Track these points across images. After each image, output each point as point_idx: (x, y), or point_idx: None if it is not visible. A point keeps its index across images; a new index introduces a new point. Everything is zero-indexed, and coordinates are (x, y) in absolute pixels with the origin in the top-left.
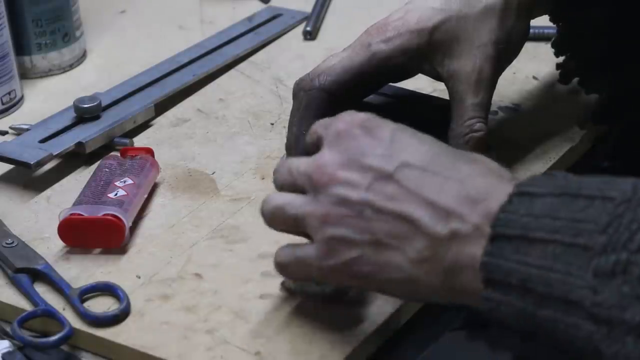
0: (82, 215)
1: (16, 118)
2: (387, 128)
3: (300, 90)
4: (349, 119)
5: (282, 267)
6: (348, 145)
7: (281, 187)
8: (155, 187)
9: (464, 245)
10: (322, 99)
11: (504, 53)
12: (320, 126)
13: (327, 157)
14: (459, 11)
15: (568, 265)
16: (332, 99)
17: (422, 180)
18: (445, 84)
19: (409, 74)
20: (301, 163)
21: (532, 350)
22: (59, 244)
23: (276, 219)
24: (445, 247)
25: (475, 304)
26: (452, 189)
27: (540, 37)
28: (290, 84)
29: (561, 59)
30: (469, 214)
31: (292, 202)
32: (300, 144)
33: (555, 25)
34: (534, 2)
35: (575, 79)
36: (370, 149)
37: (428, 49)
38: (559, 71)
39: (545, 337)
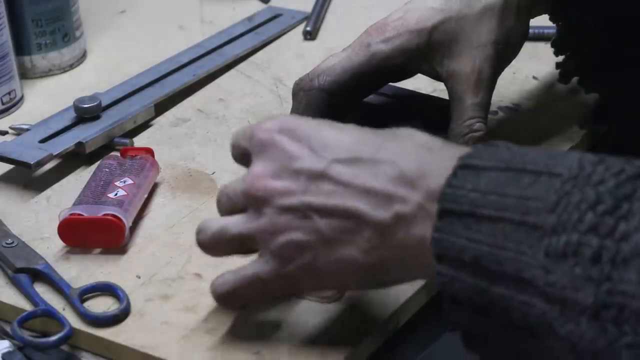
0: (82, 215)
1: (16, 118)
2: (305, 126)
3: (300, 90)
4: (268, 126)
5: (228, 295)
6: (274, 154)
7: (223, 213)
8: (155, 187)
9: (411, 226)
10: (321, 99)
11: (504, 53)
12: (242, 138)
13: (257, 170)
14: (459, 11)
15: (519, 243)
16: (332, 99)
17: (354, 170)
18: (445, 84)
19: (408, 74)
20: (237, 185)
21: (483, 326)
22: (59, 244)
23: (219, 242)
24: (392, 232)
25: (430, 280)
26: (385, 173)
27: (539, 37)
28: (290, 84)
29: (561, 58)
30: (409, 195)
31: (233, 222)
32: None
33: (554, 25)
34: (534, 2)
35: (575, 79)
36: (296, 153)
37: (427, 49)
38: (558, 71)
39: (499, 314)
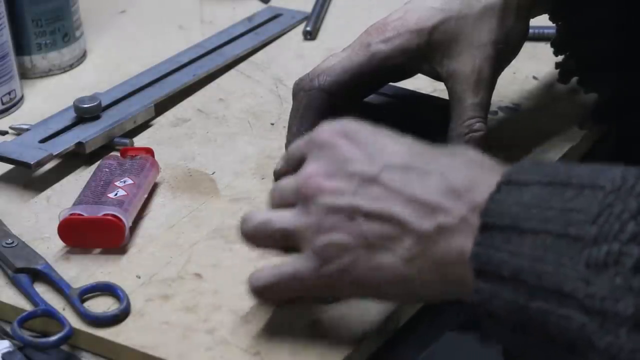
0: (82, 215)
1: (16, 118)
2: (365, 132)
3: (300, 90)
4: (329, 128)
5: (266, 289)
6: (330, 155)
7: (273, 206)
8: (155, 187)
9: (452, 238)
10: (321, 99)
11: (504, 53)
12: (302, 143)
13: (312, 169)
14: (459, 11)
15: (559, 256)
16: (332, 99)
17: (404, 178)
18: (445, 84)
19: (408, 74)
20: (290, 181)
21: (522, 342)
22: (59, 244)
23: (261, 234)
24: (433, 242)
25: (468, 297)
26: (433, 184)
27: (539, 37)
28: (290, 84)
29: (560, 58)
30: (453, 207)
31: (279, 216)
32: None
33: (554, 25)
34: (534, 2)
35: (575, 79)
36: (352, 156)
37: (427, 49)
38: (558, 70)
39: (537, 329)
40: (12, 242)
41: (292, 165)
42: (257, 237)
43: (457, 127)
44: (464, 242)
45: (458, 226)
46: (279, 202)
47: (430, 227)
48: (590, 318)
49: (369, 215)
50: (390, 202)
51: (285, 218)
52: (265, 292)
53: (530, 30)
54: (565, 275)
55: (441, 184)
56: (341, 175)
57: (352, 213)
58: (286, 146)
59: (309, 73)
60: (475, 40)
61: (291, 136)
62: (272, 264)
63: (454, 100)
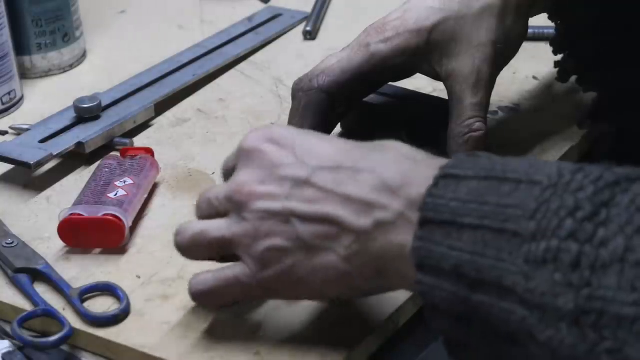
0: (82, 215)
1: (16, 118)
2: (290, 136)
3: (299, 90)
4: (255, 135)
5: (205, 294)
6: (260, 161)
7: (202, 217)
8: (155, 187)
9: (391, 234)
10: (321, 100)
11: (503, 53)
12: (229, 159)
13: (243, 176)
14: (458, 11)
15: (499, 251)
16: (331, 99)
17: (336, 178)
18: (444, 84)
19: (408, 74)
20: (219, 190)
21: (465, 333)
22: (59, 244)
23: (198, 245)
24: (372, 239)
25: (410, 290)
26: (367, 181)
27: (539, 37)
28: (290, 83)
29: (560, 57)
30: (389, 203)
31: (214, 225)
32: None
33: (554, 25)
34: (533, 1)
35: (574, 78)
36: (282, 160)
37: (427, 49)
38: (557, 69)
39: (480, 321)
40: (12, 242)
41: (227, 176)
42: (194, 248)
43: (456, 127)
44: (404, 237)
45: (396, 221)
46: (209, 212)
47: (367, 223)
48: (530, 312)
49: (305, 218)
50: (324, 202)
51: (221, 227)
52: (205, 296)
53: (530, 30)
54: (504, 269)
55: (375, 180)
56: (273, 180)
57: (287, 216)
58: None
59: (308, 73)
60: (474, 40)
61: None
62: (212, 269)
63: (453, 100)
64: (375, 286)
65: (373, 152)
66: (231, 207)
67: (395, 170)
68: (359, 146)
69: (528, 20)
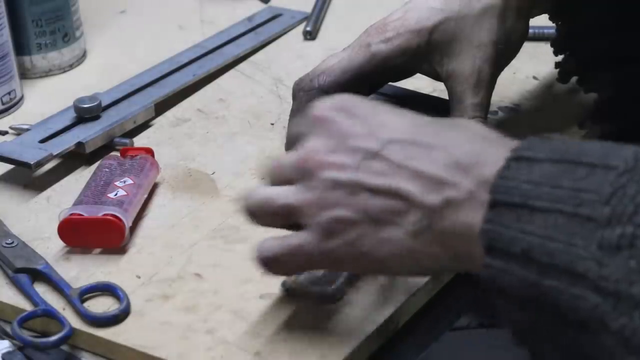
0: (82, 215)
1: (16, 118)
2: (364, 106)
3: (300, 90)
4: (326, 104)
5: (270, 261)
6: (330, 130)
7: (271, 183)
8: (155, 187)
9: (460, 213)
10: None
11: (504, 53)
12: (298, 124)
13: (312, 144)
14: (459, 11)
15: (571, 235)
16: None
17: (409, 152)
18: (445, 84)
19: (408, 74)
20: (289, 157)
21: (531, 320)
22: (59, 244)
23: (264, 211)
24: (440, 216)
25: (476, 271)
26: (439, 158)
27: (540, 37)
28: (290, 84)
29: (560, 58)
30: (461, 181)
31: (281, 192)
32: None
33: (554, 25)
34: (534, 2)
35: (574, 78)
36: (353, 130)
37: (427, 49)
38: (558, 70)
39: (548, 307)
40: (12, 242)
41: (292, 144)
42: (260, 213)
43: None
44: (472, 217)
45: (466, 201)
46: (279, 178)
47: (437, 200)
48: (603, 299)
49: (373, 190)
50: (394, 176)
51: (289, 194)
52: (270, 262)
53: (530, 30)
54: (577, 255)
55: (447, 158)
56: (343, 150)
57: (355, 188)
58: (286, 147)
59: (309, 73)
60: (475, 40)
61: (291, 137)
62: (278, 236)
63: (454, 100)
64: (439, 265)
65: (447, 129)
66: (299, 174)
67: (468, 149)
68: (432, 122)
69: (529, 20)
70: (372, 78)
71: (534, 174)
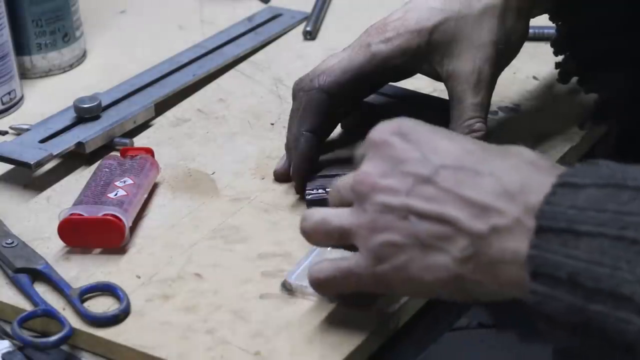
0: (82, 215)
1: (16, 118)
2: (420, 131)
3: (300, 90)
4: (384, 128)
5: (324, 282)
6: (385, 154)
7: (331, 204)
8: (155, 187)
9: (507, 240)
10: (321, 100)
11: (504, 53)
12: (364, 143)
13: (367, 168)
14: (459, 11)
15: (616, 259)
16: (332, 99)
17: (458, 179)
18: (445, 84)
19: (408, 74)
20: (347, 180)
21: (580, 344)
22: (59, 244)
23: (319, 232)
24: (487, 243)
25: (521, 297)
26: (487, 185)
27: (540, 37)
28: (290, 84)
29: (560, 58)
30: (508, 208)
31: (336, 214)
32: (300, 144)
33: (554, 25)
34: (534, 2)
35: (575, 79)
36: (407, 155)
37: (427, 49)
38: (558, 70)
39: (595, 331)
40: (12, 242)
41: (357, 165)
42: (315, 234)
43: (456, 127)
44: (519, 244)
45: (512, 228)
46: (337, 200)
47: (484, 228)
48: None
49: (422, 215)
50: (443, 202)
51: (342, 216)
52: (323, 284)
53: (530, 30)
54: (622, 278)
55: (495, 185)
56: (395, 175)
57: (406, 213)
58: (286, 146)
59: (309, 73)
60: (475, 41)
61: (291, 136)
62: (331, 258)
63: (454, 100)
64: (485, 292)
65: (495, 156)
66: (354, 197)
67: (515, 176)
68: (483, 148)
69: (529, 21)
70: (373, 78)
71: (579, 199)
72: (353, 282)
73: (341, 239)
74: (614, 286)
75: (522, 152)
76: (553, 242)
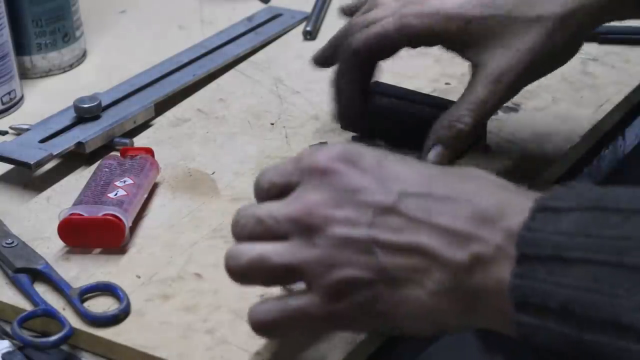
0: (82, 215)
1: (16, 118)
2: (370, 156)
3: (340, 46)
4: (326, 154)
5: (267, 325)
6: (334, 183)
7: (249, 237)
8: (155, 187)
9: (489, 269)
10: (354, 62)
11: (540, 66)
12: (289, 169)
13: (313, 198)
14: (509, 11)
15: (614, 286)
16: (363, 62)
17: (427, 206)
18: (470, 73)
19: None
20: (276, 208)
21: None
22: (59, 244)
23: (256, 272)
24: (468, 274)
25: (503, 330)
26: (462, 211)
27: None
28: (290, 84)
29: None
30: (488, 235)
31: (275, 250)
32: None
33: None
34: (599, 21)
35: (575, 76)
36: (360, 184)
37: (460, 36)
38: (558, 69)
39: None
40: (12, 242)
41: (274, 192)
42: (251, 275)
43: (447, 114)
44: (502, 273)
45: (494, 256)
46: (262, 232)
47: (464, 257)
48: None
49: (389, 248)
50: (413, 232)
51: (284, 252)
52: (267, 328)
53: None
54: (621, 306)
55: (470, 210)
56: (351, 205)
57: (370, 245)
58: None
59: (352, 24)
60: (513, 44)
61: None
62: (275, 297)
63: (465, 90)
64: (465, 323)
65: (463, 180)
66: (296, 229)
67: (491, 200)
68: (444, 172)
69: (583, 39)
70: (402, 45)
71: (562, 223)
72: (304, 323)
73: (286, 278)
74: (613, 314)
75: (483, 175)
76: (539, 270)
